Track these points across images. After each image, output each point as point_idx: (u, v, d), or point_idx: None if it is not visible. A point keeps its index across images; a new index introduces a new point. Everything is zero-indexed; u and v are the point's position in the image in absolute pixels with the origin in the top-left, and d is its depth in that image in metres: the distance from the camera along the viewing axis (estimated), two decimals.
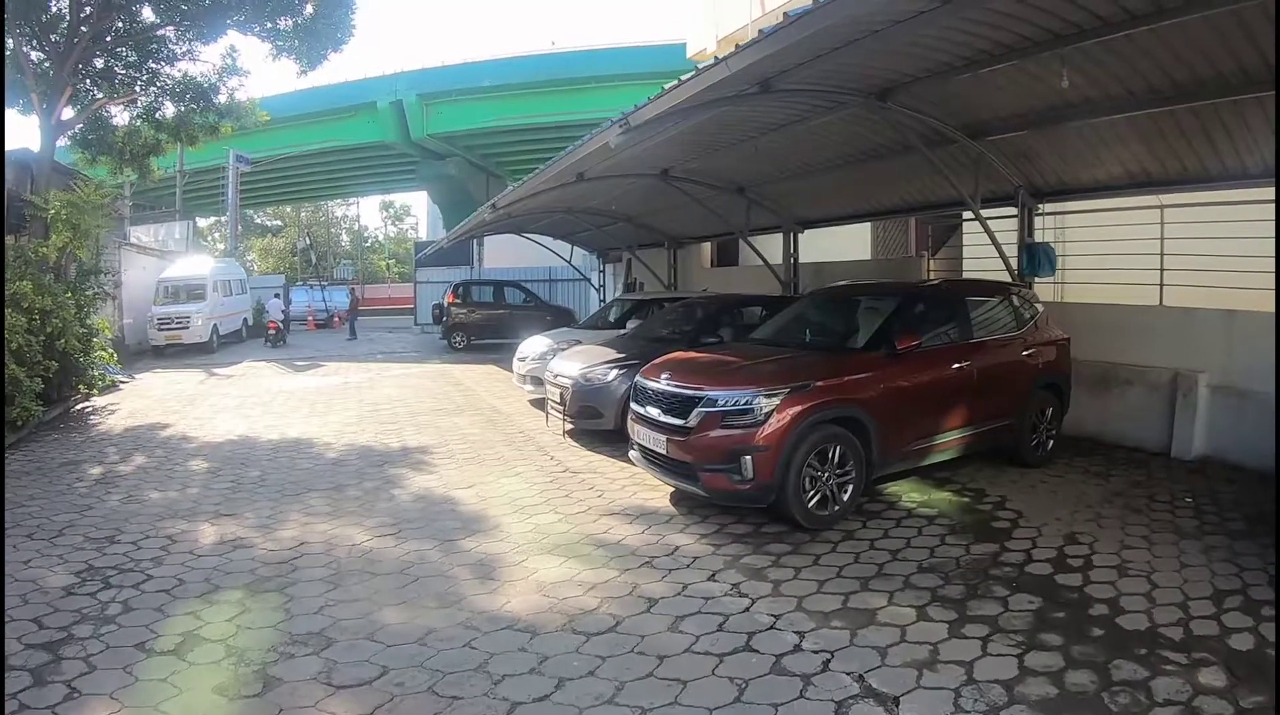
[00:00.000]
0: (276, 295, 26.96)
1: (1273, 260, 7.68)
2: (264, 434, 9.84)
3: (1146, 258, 8.70)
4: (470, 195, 31.97)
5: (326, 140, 32.79)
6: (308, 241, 48.28)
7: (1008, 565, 5.12)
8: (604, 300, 22.84)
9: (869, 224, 15.34)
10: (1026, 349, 7.38)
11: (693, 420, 5.86)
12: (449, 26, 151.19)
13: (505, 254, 28.63)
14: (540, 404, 10.85)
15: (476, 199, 27.90)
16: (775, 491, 5.61)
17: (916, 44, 6.37)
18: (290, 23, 16.04)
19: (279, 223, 69.89)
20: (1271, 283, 7.60)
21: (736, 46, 5.50)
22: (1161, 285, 8.58)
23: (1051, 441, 7.70)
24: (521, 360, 11.67)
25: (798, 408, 5.64)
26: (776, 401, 5.62)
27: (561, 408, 8.96)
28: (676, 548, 5.45)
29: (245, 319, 26.32)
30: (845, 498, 5.93)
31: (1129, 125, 7.44)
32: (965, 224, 11.85)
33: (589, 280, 24.08)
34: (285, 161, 34.22)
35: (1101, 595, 4.60)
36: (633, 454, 6.77)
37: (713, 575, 4.96)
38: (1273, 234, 7.62)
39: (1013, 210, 9.22)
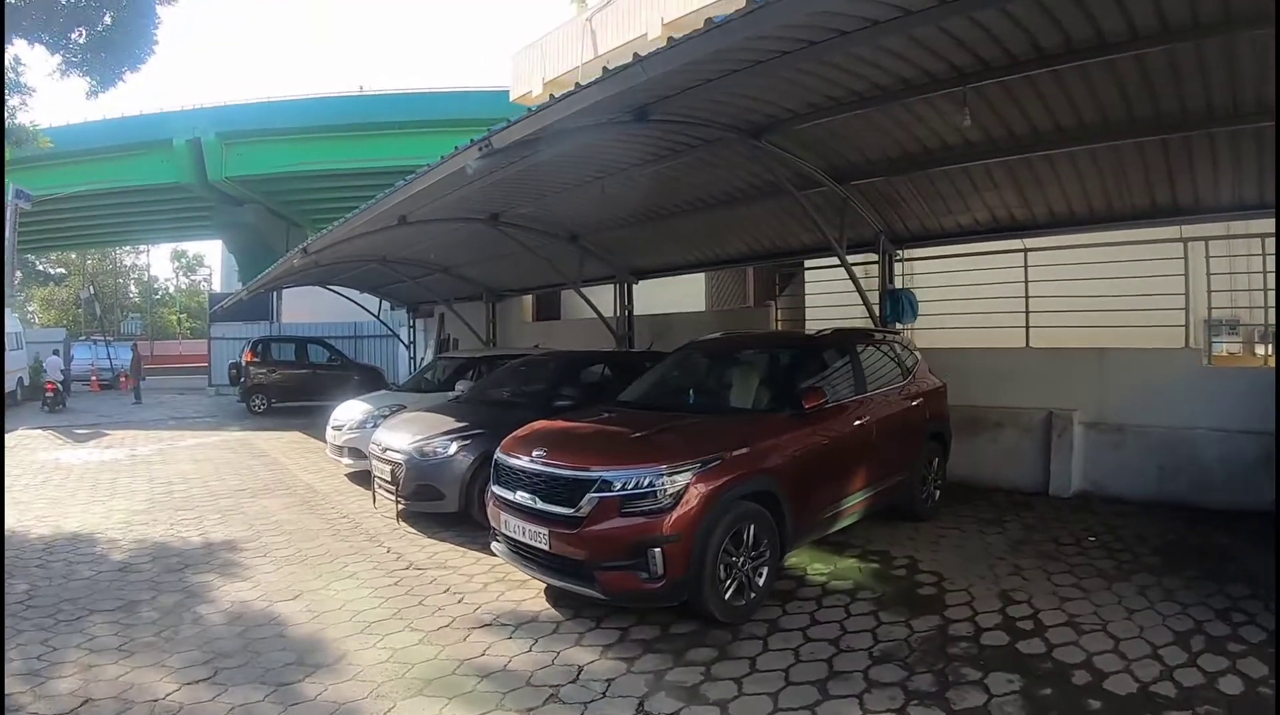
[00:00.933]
0: (56, 352, 23.01)
1: (1104, 301, 7.92)
2: (35, 527, 7.69)
3: (1003, 301, 8.67)
4: (269, 245, 28.92)
5: (116, 179, 28.18)
6: (91, 291, 42.37)
7: (962, 639, 4.57)
8: (414, 357, 21.20)
9: (703, 275, 14.92)
10: (914, 399, 6.95)
11: (583, 508, 4.73)
12: (252, 66, 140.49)
13: (303, 308, 26.20)
14: (361, 478, 9.35)
15: (275, 249, 25.25)
16: (690, 586, 4.65)
17: (810, 73, 5.83)
18: (84, 34, 13.48)
19: (62, 271, 61.50)
20: (1132, 322, 7.82)
21: (576, 85, 4.89)
22: (1028, 327, 8.56)
23: (938, 492, 7.30)
24: (337, 429, 10.00)
25: (710, 485, 4.72)
26: (685, 480, 4.66)
27: (393, 488, 7.52)
28: (580, 668, 4.33)
29: (20, 379, 22.45)
30: (761, 582, 5.07)
31: (1004, 170, 7.35)
32: (807, 272, 11.58)
33: (398, 336, 22.28)
34: (71, 201, 29.26)
35: (1073, 659, 4.25)
36: (497, 547, 5.53)
37: (641, 704, 3.89)
38: (1128, 276, 7.84)
39: (869, 256, 8.96)
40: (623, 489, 4.65)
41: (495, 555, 5.67)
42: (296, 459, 12.04)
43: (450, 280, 16.26)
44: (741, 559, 4.91)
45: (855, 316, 10.58)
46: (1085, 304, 8.14)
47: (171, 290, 73.76)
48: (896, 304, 8.40)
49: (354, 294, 19.82)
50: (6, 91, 14.53)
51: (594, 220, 10.80)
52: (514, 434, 5.81)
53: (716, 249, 11.13)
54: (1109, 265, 7.98)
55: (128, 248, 64.04)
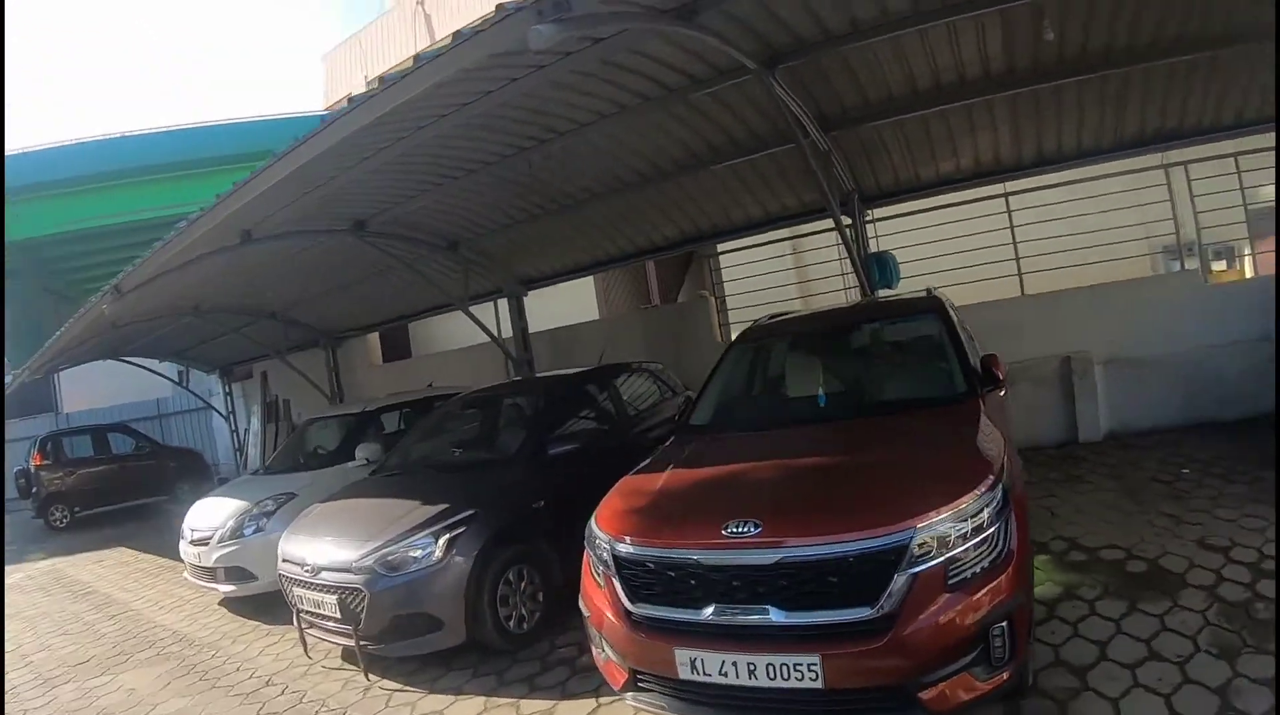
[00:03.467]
0: None
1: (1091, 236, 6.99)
2: None
3: (984, 252, 7.51)
4: (37, 325, 22.53)
5: None
6: None
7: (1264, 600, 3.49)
8: (236, 430, 16.80)
9: (591, 280, 12.57)
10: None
11: (891, 598, 2.52)
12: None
13: (87, 392, 20.88)
14: (247, 606, 6.24)
15: (45, 329, 19.39)
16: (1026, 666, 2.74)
17: None
18: None
19: None
20: (1121, 254, 6.91)
21: (381, 79, 3.97)
22: (1020, 274, 7.39)
23: None
24: (201, 543, 6.45)
25: (1019, 506, 2.85)
26: (1003, 506, 2.72)
27: (347, 628, 4.42)
28: None
29: None
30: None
31: (1007, 106, 6.12)
32: (722, 257, 9.82)
33: (213, 406, 17.34)
34: None
35: None
36: (646, 700, 2.97)
37: None
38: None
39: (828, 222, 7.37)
40: (942, 548, 2.57)
41: (624, 698, 3.09)
42: (138, 591, 7.92)
43: (280, 326, 12.28)
44: None
45: (789, 297, 9.19)
46: (1072, 243, 7.18)
47: None
48: (885, 269, 6.88)
49: (151, 364, 15.30)
50: None
51: (482, 219, 8.11)
52: (622, 506, 3.30)
53: (635, 238, 8.68)
54: (1089, 200, 7.01)
55: None
